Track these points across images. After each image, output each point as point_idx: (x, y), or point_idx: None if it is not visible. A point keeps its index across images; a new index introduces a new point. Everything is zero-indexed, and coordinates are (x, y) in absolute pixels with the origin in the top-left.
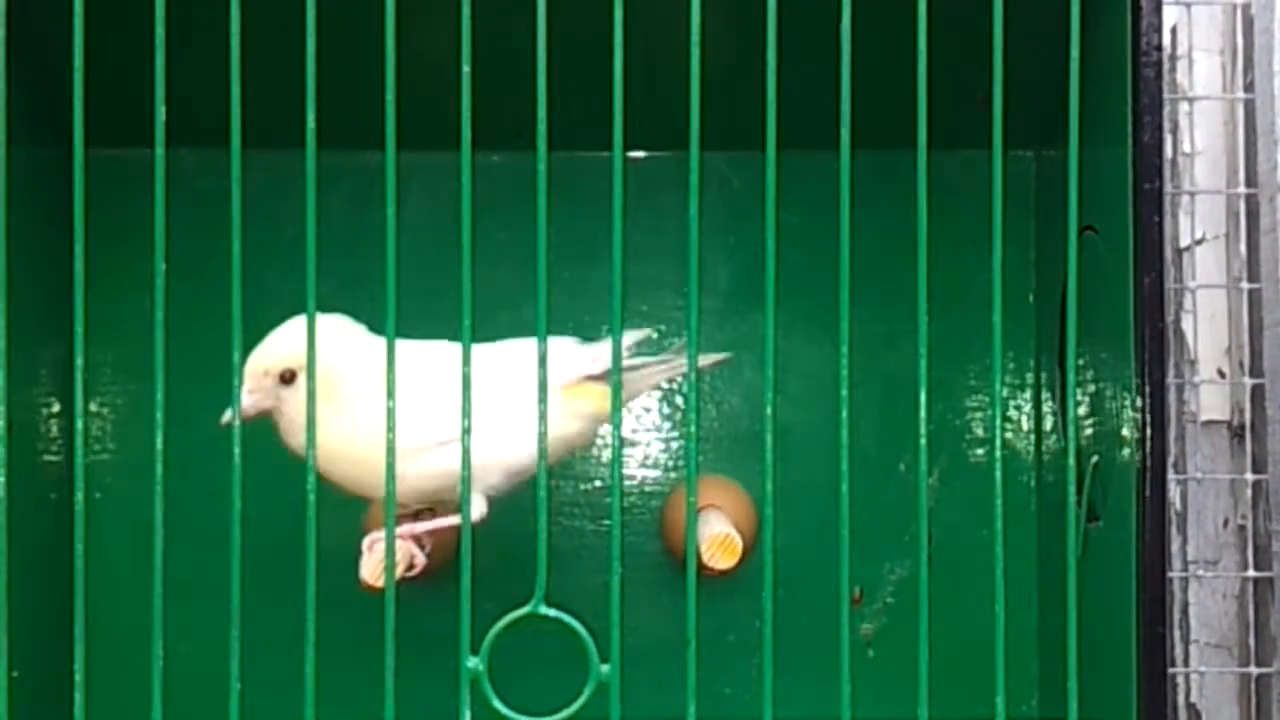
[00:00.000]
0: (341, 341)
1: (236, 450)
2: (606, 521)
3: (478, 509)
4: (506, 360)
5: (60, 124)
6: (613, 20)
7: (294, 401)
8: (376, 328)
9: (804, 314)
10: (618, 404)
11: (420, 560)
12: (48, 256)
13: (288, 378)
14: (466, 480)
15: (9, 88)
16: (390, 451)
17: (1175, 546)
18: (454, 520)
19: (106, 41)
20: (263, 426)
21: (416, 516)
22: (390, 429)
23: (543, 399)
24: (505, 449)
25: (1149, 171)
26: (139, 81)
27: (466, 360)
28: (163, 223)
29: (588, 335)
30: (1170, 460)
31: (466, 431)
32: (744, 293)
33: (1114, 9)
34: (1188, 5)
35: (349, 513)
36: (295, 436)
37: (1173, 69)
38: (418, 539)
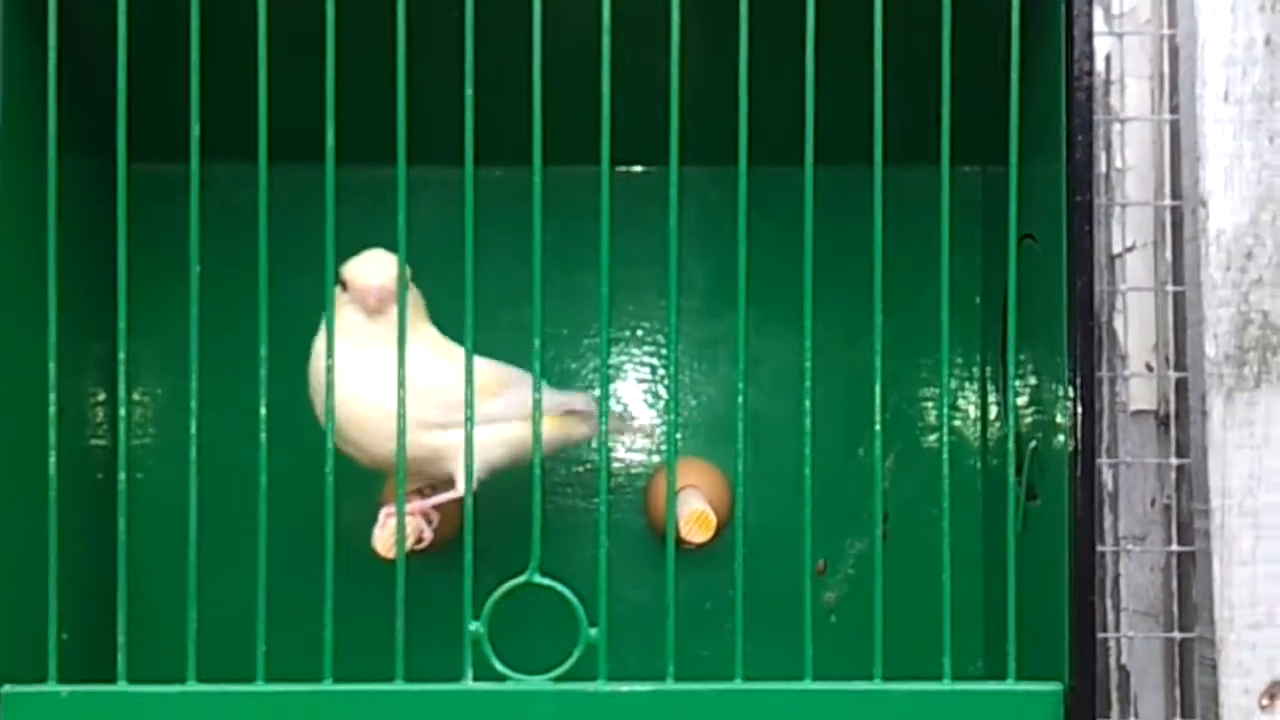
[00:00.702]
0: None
1: (263, 436)
2: (596, 499)
3: (460, 488)
4: (497, 377)
5: (105, 142)
6: (602, 52)
7: (339, 309)
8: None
9: (774, 314)
10: (605, 393)
11: (428, 534)
12: (93, 262)
13: (344, 285)
14: (470, 466)
15: (60, 110)
16: (401, 434)
17: (1108, 524)
18: (456, 494)
19: (148, 68)
20: (287, 417)
21: (421, 494)
22: (400, 416)
23: (538, 388)
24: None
25: (1081, 185)
26: (176, 104)
27: (469, 355)
28: (197, 231)
29: (579, 334)
30: (1103, 446)
31: (470, 419)
32: (720, 294)
33: (1050, 39)
34: (1120, 36)
35: (364, 490)
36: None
37: (1107, 93)
38: (426, 514)
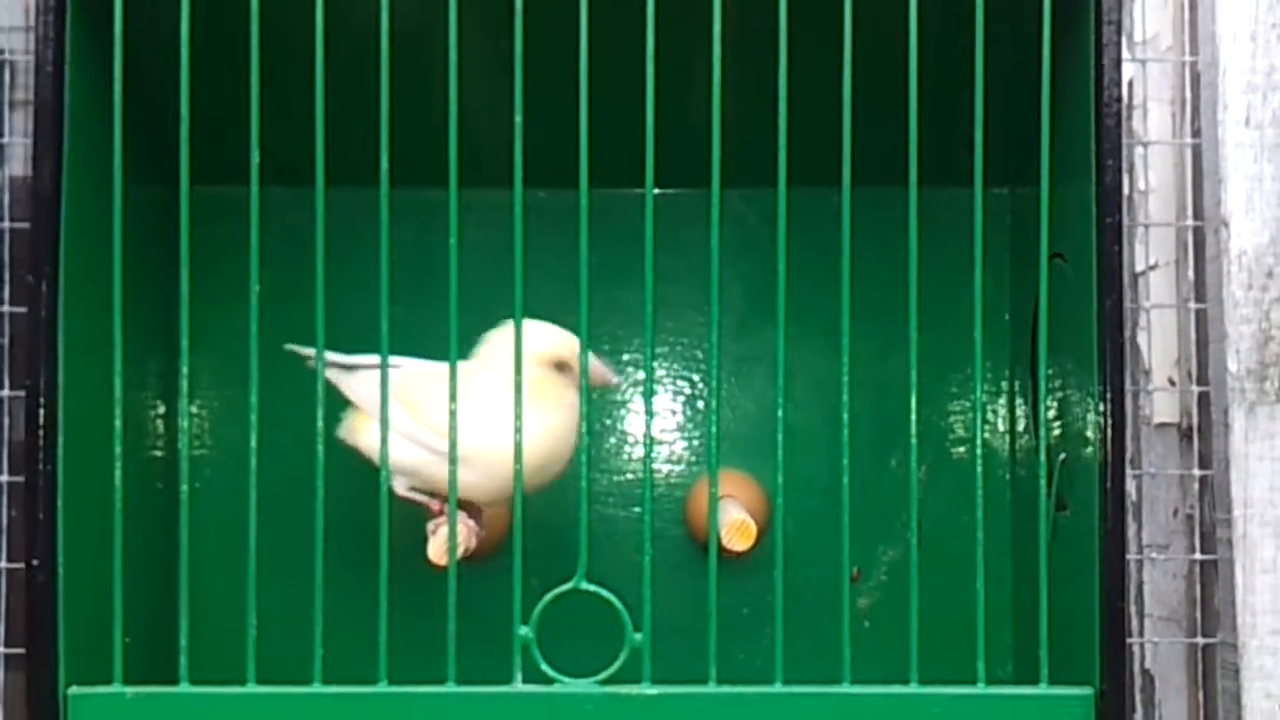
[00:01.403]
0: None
1: (320, 448)
2: (638, 509)
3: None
4: None
5: (166, 167)
6: (645, 82)
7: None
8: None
9: (809, 330)
10: (649, 408)
11: (472, 542)
12: (155, 281)
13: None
14: (519, 475)
15: (125, 139)
16: (453, 445)
17: (1131, 533)
18: None
19: (207, 96)
20: (335, 428)
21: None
22: (452, 443)
23: (585, 399)
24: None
25: (1110, 207)
26: (236, 131)
27: (518, 369)
28: (256, 251)
29: (620, 349)
30: (1128, 457)
31: (518, 430)
32: (755, 311)
33: (1079, 66)
34: (1143, 62)
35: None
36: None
37: (1130, 117)
38: (474, 515)
